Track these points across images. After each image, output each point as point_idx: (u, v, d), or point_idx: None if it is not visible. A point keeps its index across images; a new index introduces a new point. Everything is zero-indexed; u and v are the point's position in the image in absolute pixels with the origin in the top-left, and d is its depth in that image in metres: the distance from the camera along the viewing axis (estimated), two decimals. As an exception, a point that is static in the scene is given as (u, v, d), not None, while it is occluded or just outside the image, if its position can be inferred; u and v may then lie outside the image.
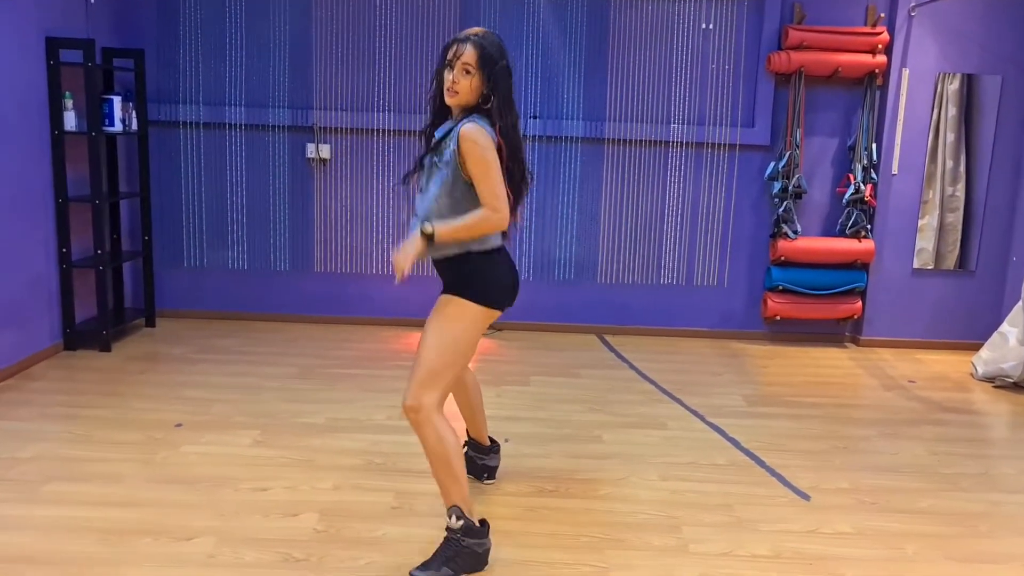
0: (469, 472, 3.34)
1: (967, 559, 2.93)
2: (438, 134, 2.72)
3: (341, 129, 5.59)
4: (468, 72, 2.59)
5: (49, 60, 4.68)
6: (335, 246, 5.75)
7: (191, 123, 5.57)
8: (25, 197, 4.56)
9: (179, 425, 3.84)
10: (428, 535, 2.86)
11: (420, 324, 5.88)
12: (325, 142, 5.62)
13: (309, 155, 5.62)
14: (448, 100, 2.65)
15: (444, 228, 2.57)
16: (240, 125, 5.58)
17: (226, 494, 3.16)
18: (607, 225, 5.70)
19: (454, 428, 2.68)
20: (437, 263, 2.74)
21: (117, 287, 5.46)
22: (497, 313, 2.77)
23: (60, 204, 4.80)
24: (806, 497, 3.37)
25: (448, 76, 2.62)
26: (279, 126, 5.59)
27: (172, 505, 3.05)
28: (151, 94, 5.45)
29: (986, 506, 3.36)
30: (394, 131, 5.59)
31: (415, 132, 5.54)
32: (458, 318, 2.69)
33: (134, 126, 5.27)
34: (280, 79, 5.56)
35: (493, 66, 2.60)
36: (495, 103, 2.61)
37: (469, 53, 2.58)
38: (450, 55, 2.62)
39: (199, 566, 2.65)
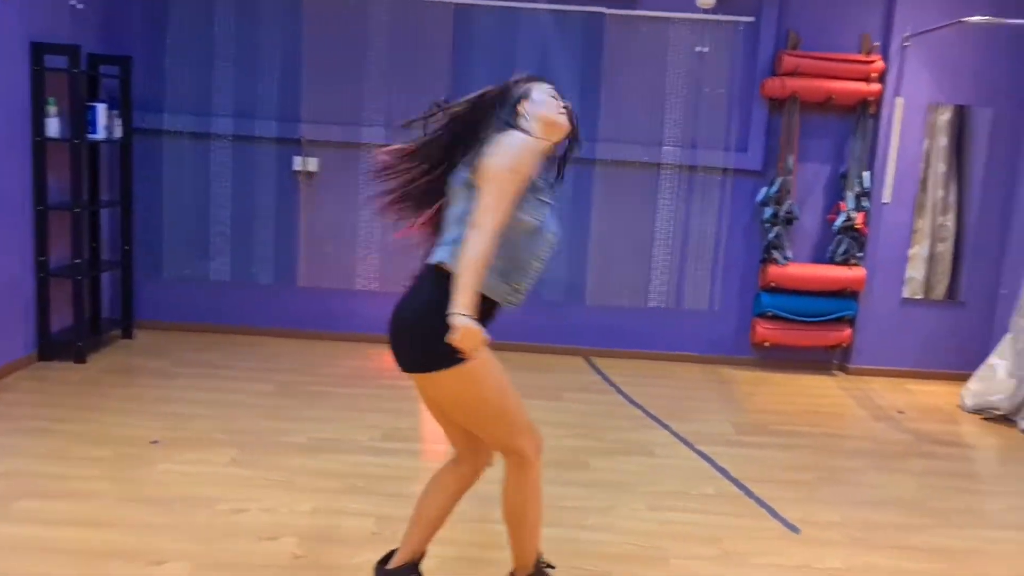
0: None
1: (959, 598, 2.88)
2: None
3: (329, 143, 5.52)
4: None
5: (34, 65, 4.59)
6: (320, 260, 5.66)
7: (176, 132, 5.48)
8: (3, 203, 4.45)
9: (155, 442, 3.73)
10: (409, 563, 2.77)
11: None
12: (312, 155, 5.54)
13: (296, 168, 5.54)
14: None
15: None
16: (226, 135, 5.50)
17: (202, 515, 3.05)
18: (597, 246, 5.65)
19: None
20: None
21: (94, 297, 5.34)
22: None
23: (39, 211, 4.69)
24: (796, 530, 3.30)
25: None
26: (266, 138, 5.51)
27: (145, 526, 2.95)
28: (136, 102, 5.35)
29: (977, 543, 3.30)
30: (384, 146, 5.50)
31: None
32: None
33: (118, 134, 5.18)
34: (268, 90, 5.48)
35: None
36: None
37: None
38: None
39: (170, 593, 2.55)
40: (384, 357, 5.34)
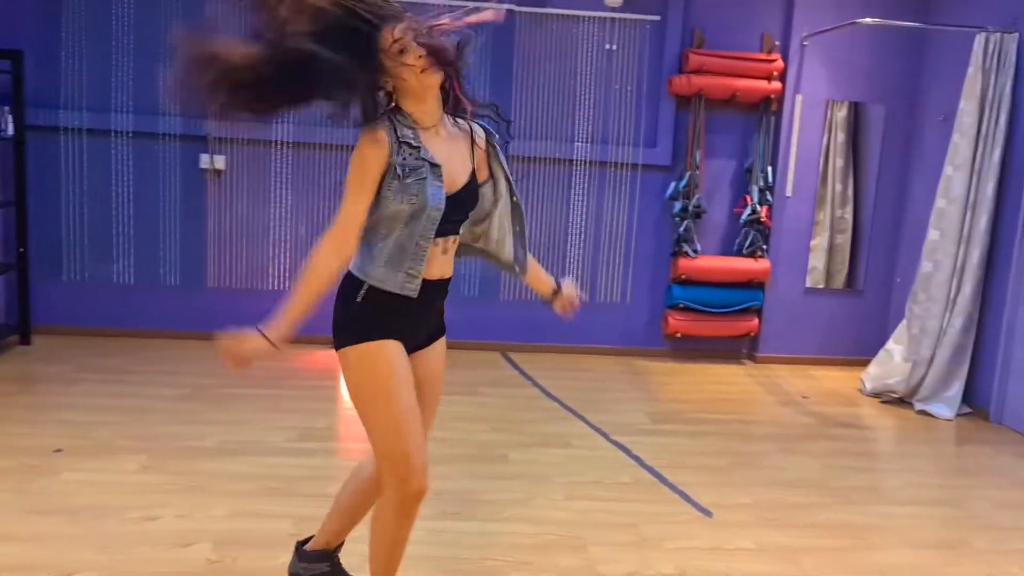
0: None
1: (860, 571, 3.01)
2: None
3: (237, 140, 5.40)
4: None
5: (-85, 57, 4.36)
6: (229, 260, 5.53)
7: (73, 129, 5.27)
8: None
9: (58, 451, 3.58)
10: (329, 563, 2.75)
11: (319, 341, 5.72)
12: (220, 153, 5.41)
13: (203, 166, 5.40)
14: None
15: None
16: (127, 132, 5.32)
17: (111, 524, 2.96)
18: (511, 242, 5.68)
19: None
20: (438, 288, 2.26)
21: (-11, 302, 5.10)
22: None
23: (-74, 212, 4.46)
24: (709, 514, 3.40)
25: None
26: (170, 135, 5.35)
27: (51, 538, 2.83)
28: (30, 98, 5.12)
29: (877, 519, 3.47)
30: (293, 143, 5.43)
31: (314, 144, 5.41)
32: None
33: (10, 131, 4.96)
34: (172, 86, 5.31)
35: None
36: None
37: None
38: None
39: (79, 605, 2.46)
40: (299, 357, 5.26)
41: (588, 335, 5.85)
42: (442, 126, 2.15)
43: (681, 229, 5.60)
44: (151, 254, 5.47)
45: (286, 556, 2.79)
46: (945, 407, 4.94)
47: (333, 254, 2.05)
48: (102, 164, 5.35)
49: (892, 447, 4.56)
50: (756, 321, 5.81)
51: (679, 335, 5.74)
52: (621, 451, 4.04)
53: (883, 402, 5.18)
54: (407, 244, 2.08)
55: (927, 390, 5.01)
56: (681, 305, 5.69)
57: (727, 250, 5.81)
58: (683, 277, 5.65)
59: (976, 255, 4.85)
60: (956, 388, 4.96)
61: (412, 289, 2.12)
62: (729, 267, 5.67)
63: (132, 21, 5.23)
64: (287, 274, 5.55)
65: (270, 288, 5.56)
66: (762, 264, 5.67)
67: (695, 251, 5.62)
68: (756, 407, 4.97)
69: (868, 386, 5.28)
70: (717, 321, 5.73)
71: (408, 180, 2.03)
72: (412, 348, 2.25)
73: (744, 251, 5.68)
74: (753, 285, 5.76)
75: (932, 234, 5.00)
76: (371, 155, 2.02)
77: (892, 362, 5.24)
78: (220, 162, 5.41)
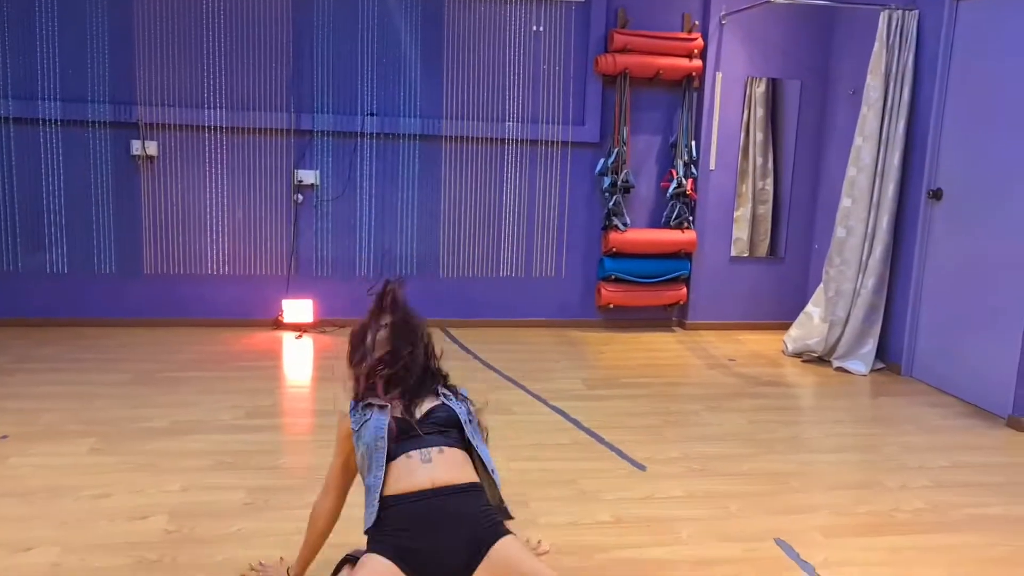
0: None
1: (781, 512, 3.25)
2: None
3: (169, 125, 5.40)
4: None
5: None
6: (166, 246, 5.54)
7: None
8: None
9: (4, 437, 3.61)
10: (284, 527, 2.87)
11: (259, 324, 5.77)
12: (152, 139, 5.41)
13: (134, 152, 5.39)
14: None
15: None
16: (55, 120, 5.27)
17: (65, 503, 3.02)
18: (447, 220, 5.82)
19: None
20: (437, 495, 2.23)
21: (-81, 295, 5.03)
22: None
23: None
24: (642, 468, 3.61)
25: None
26: (100, 122, 5.32)
27: (6, 519, 2.89)
28: (-46, 86, 5.06)
29: (797, 466, 3.73)
30: (225, 127, 5.46)
31: (247, 129, 5.45)
32: None
33: (-65, 121, 4.89)
34: (100, 72, 5.29)
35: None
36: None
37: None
38: None
39: (42, 576, 2.54)
40: (238, 340, 5.32)
41: (524, 308, 6.03)
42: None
43: (610, 204, 5.81)
44: (85, 242, 5.45)
45: (242, 523, 2.92)
46: (860, 363, 5.26)
47: (320, 496, 2.42)
48: (31, 153, 5.30)
49: (812, 401, 4.85)
50: (684, 290, 6.06)
51: (611, 306, 5.96)
52: (559, 415, 4.24)
53: (804, 361, 5.48)
54: (373, 483, 2.26)
55: (844, 348, 5.33)
56: (613, 277, 5.90)
57: (655, 223, 6.04)
58: (614, 250, 5.86)
59: (885, 220, 5.17)
60: (870, 345, 5.29)
61: (370, 522, 2.21)
62: (657, 239, 5.90)
63: (56, 7, 5.18)
64: (225, 258, 5.59)
65: (208, 273, 5.59)
66: (689, 235, 5.91)
67: (624, 224, 5.84)
68: (686, 370, 5.22)
69: (790, 347, 5.58)
70: (647, 291, 5.97)
71: (360, 430, 2.34)
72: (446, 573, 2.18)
73: (671, 223, 5.92)
74: (681, 256, 6.01)
75: (845, 201, 5.29)
76: (340, 426, 2.43)
77: (811, 324, 5.55)
78: (152, 148, 5.40)
